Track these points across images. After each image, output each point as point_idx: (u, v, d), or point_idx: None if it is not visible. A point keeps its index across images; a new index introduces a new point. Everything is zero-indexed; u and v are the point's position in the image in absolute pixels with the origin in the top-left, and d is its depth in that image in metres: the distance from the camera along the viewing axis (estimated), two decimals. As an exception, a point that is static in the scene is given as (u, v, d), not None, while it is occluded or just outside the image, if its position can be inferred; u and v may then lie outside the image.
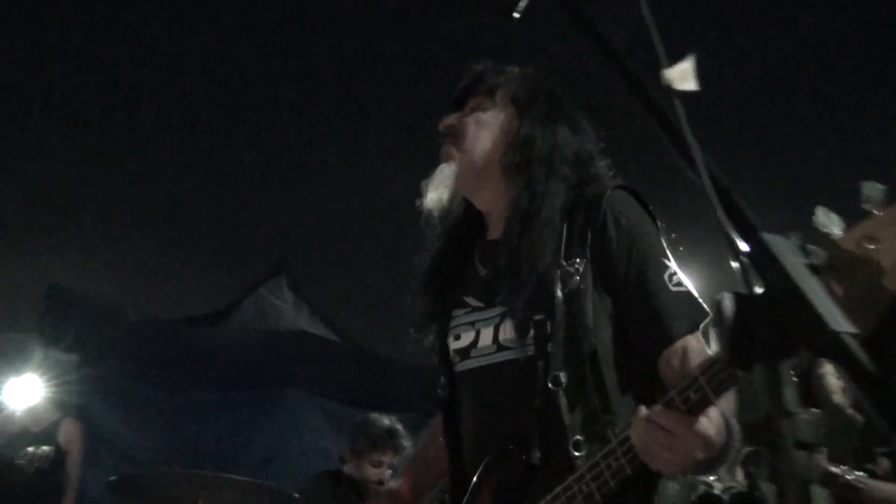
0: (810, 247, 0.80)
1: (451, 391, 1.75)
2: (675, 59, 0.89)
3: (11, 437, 5.62)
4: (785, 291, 0.70)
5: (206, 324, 8.65)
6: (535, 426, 1.49)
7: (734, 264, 0.73)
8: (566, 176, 1.70)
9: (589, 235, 1.61)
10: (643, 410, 1.34)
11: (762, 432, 0.67)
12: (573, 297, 1.55)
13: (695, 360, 1.48)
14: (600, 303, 1.57)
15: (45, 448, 5.63)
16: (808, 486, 0.64)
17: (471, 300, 1.74)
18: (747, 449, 6.30)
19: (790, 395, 0.68)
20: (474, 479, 1.56)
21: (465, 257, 1.86)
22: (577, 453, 1.46)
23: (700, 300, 1.56)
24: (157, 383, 7.56)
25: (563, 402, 1.49)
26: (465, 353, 1.69)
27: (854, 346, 0.63)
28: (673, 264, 1.58)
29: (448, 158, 1.80)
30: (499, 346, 1.62)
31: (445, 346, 1.79)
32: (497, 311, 1.66)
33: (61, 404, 6.08)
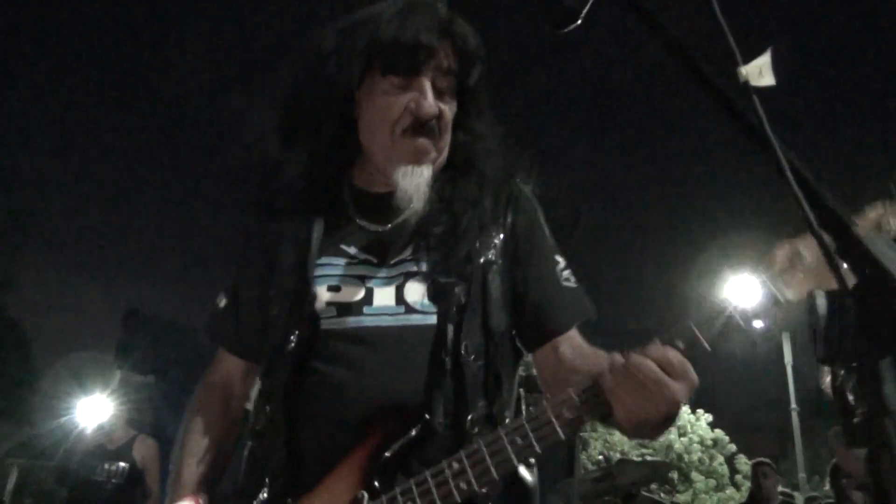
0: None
1: (305, 346, 1.49)
2: (751, 54, 0.87)
3: (85, 454, 5.83)
4: (882, 287, 0.67)
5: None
6: (438, 393, 1.42)
7: (827, 262, 0.70)
8: (486, 165, 1.65)
9: (507, 216, 1.62)
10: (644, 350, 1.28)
11: (866, 432, 0.64)
12: (488, 269, 1.54)
13: (586, 350, 1.52)
14: (507, 281, 1.57)
15: (121, 465, 5.83)
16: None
17: (353, 251, 1.56)
18: (834, 461, 6.13)
19: (892, 393, 0.65)
20: (342, 437, 1.38)
21: (330, 199, 1.64)
22: (475, 429, 1.42)
23: (586, 297, 1.61)
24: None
25: (469, 373, 1.45)
26: (349, 308, 1.50)
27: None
28: (563, 261, 1.63)
29: (429, 159, 1.59)
30: (407, 307, 1.50)
31: (306, 294, 1.51)
32: (398, 270, 1.53)
33: (134, 422, 6.29)
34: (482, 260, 1.54)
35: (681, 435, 25.81)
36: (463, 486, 1.29)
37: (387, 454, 1.36)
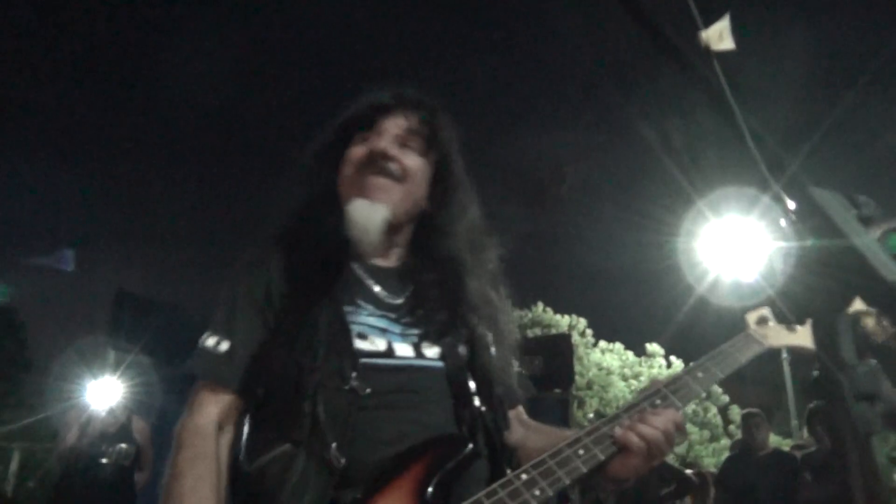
0: (862, 198, 0.80)
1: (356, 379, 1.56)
2: (710, 19, 0.89)
3: (94, 436, 5.87)
4: (837, 244, 0.70)
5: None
6: (473, 425, 1.60)
7: (783, 221, 0.73)
8: (467, 239, 1.79)
9: (498, 304, 1.81)
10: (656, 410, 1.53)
11: (821, 386, 0.67)
12: (484, 339, 1.72)
13: (527, 421, 1.82)
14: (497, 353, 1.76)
15: (123, 446, 5.89)
16: (870, 438, 0.64)
17: (370, 307, 1.66)
18: (810, 406, 6.22)
19: (847, 348, 0.68)
20: (391, 463, 1.47)
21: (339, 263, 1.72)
22: (505, 456, 1.62)
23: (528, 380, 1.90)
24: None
25: (489, 414, 1.64)
26: (376, 354, 1.59)
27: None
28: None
29: (386, 197, 1.67)
30: (423, 358, 1.64)
31: (348, 332, 1.59)
32: (414, 331, 1.66)
33: (133, 404, 6.34)
34: (480, 331, 1.71)
35: (675, 389, 26.10)
36: (537, 492, 1.39)
37: (438, 475, 1.44)
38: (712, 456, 24.11)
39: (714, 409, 26.79)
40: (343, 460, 1.44)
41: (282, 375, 1.54)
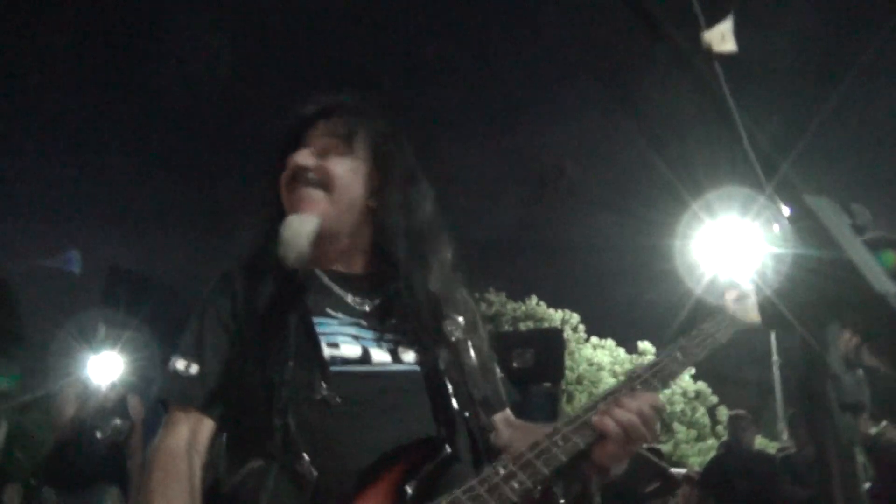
0: (855, 206, 0.79)
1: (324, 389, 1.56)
2: (713, 19, 0.88)
3: (95, 410, 5.89)
4: (828, 254, 0.69)
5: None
6: (453, 428, 1.60)
7: (776, 227, 0.72)
8: (426, 245, 1.78)
9: (466, 307, 1.82)
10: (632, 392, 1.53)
11: (806, 394, 0.67)
12: (460, 344, 1.72)
13: (515, 422, 1.78)
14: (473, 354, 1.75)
15: (124, 423, 5.91)
16: (853, 448, 0.63)
17: (340, 316, 1.66)
18: (790, 411, 6.27)
19: (834, 357, 0.67)
20: (368, 470, 1.45)
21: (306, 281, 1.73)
22: (489, 459, 1.60)
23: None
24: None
25: (472, 418, 1.65)
26: (350, 361, 1.60)
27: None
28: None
29: (307, 206, 1.68)
30: (400, 363, 1.65)
31: (315, 345, 1.59)
32: (389, 336, 1.67)
33: (133, 380, 6.35)
34: (455, 336, 1.72)
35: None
36: (515, 485, 1.38)
37: (415, 479, 1.44)
38: (698, 455, 24.24)
39: (702, 410, 26.90)
40: (315, 472, 1.45)
41: (252, 392, 1.55)
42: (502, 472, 1.40)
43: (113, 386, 6.05)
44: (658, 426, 1.52)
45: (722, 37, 0.89)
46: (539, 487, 1.41)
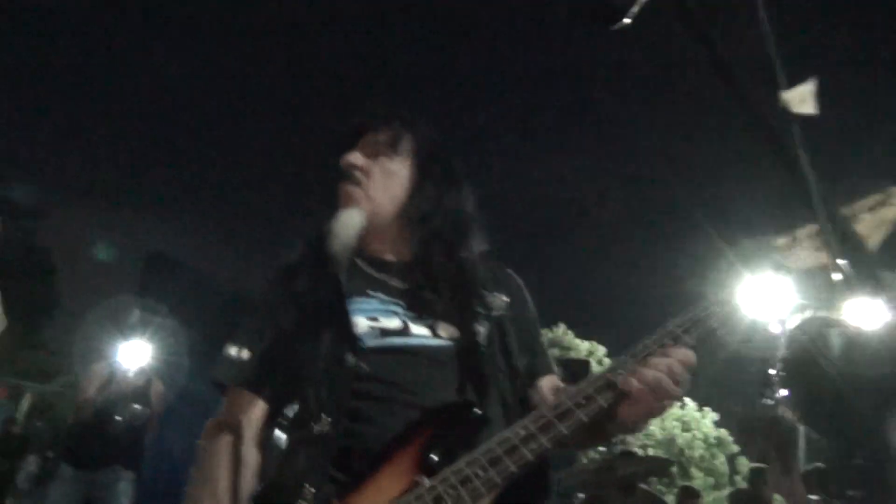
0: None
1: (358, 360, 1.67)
2: (795, 81, 0.87)
3: (117, 394, 5.96)
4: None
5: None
6: (485, 393, 1.66)
7: (852, 300, 0.71)
8: (461, 236, 1.90)
9: (510, 287, 1.92)
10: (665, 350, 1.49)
11: (867, 474, 0.65)
12: (502, 320, 1.81)
13: (561, 387, 1.78)
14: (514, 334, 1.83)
15: (144, 409, 5.98)
16: None
17: (380, 296, 1.80)
18: (811, 466, 6.12)
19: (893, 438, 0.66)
20: (397, 432, 1.53)
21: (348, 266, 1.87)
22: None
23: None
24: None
25: (507, 386, 1.73)
26: (390, 332, 1.73)
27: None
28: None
29: (354, 202, 1.85)
30: (439, 337, 1.75)
31: (348, 321, 1.71)
32: (427, 312, 1.78)
33: (158, 366, 6.44)
34: (497, 312, 1.81)
35: (685, 430, 25.83)
36: (534, 445, 1.41)
37: (442, 443, 1.49)
38: (713, 504, 23.78)
39: (722, 457, 26.42)
40: (339, 436, 1.56)
41: (293, 370, 1.68)
42: (522, 433, 1.43)
43: (139, 372, 6.13)
44: (688, 385, 1.47)
45: (801, 98, 0.87)
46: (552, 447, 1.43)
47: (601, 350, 27.33)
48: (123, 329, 6.64)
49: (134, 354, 6.25)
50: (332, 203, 1.90)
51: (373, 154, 1.91)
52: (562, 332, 26.96)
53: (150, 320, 6.82)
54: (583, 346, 26.99)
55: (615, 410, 1.47)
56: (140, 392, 6.06)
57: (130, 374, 6.05)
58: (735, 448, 26.37)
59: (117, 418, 5.83)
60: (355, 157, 1.89)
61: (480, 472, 1.40)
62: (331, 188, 1.93)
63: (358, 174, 1.87)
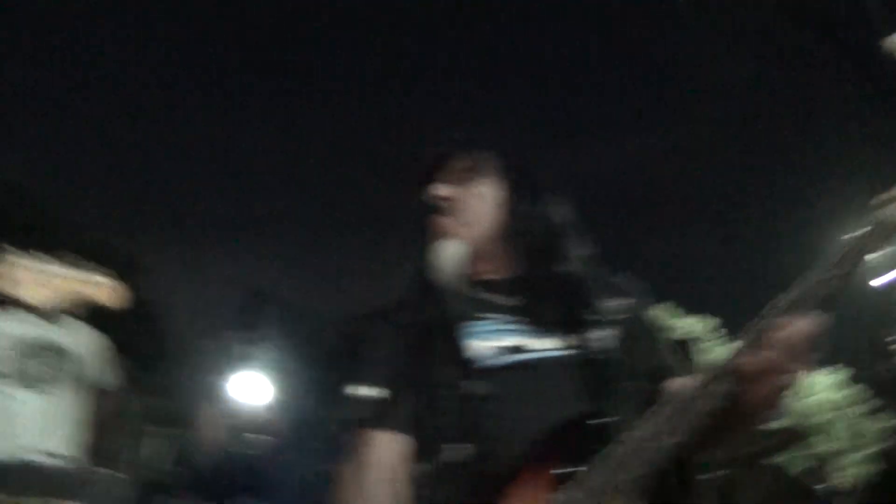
0: None
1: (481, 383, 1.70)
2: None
3: (233, 428, 6.16)
4: None
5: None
6: (611, 405, 1.64)
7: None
8: (560, 244, 1.90)
9: (623, 290, 1.89)
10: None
11: None
12: (618, 324, 1.79)
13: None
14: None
15: (263, 438, 6.16)
16: None
17: (492, 315, 1.83)
18: None
19: None
20: (522, 451, 1.56)
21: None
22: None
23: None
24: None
25: (629, 396, 1.69)
26: (508, 350, 1.75)
27: None
28: None
29: (448, 232, 1.87)
30: (555, 349, 1.76)
31: (468, 351, 1.74)
32: (542, 326, 1.79)
33: (266, 398, 6.61)
34: (614, 317, 1.80)
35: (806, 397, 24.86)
36: (665, 445, 1.42)
37: (569, 456, 1.51)
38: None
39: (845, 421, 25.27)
40: (475, 461, 1.58)
41: (420, 402, 1.71)
42: (649, 435, 1.45)
43: (251, 405, 6.30)
44: (810, 356, 1.43)
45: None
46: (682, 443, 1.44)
47: (699, 327, 26.57)
48: (232, 364, 6.85)
49: (245, 387, 6.43)
50: (423, 237, 1.92)
51: (459, 181, 1.94)
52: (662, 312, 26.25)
53: (255, 354, 7.01)
54: (685, 323, 26.29)
55: (737, 399, 1.46)
56: (256, 423, 6.23)
57: (245, 407, 6.23)
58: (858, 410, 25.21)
59: (238, 451, 6.01)
60: (441, 189, 1.92)
61: (614, 480, 1.43)
62: (419, 222, 1.95)
63: (447, 205, 1.90)
